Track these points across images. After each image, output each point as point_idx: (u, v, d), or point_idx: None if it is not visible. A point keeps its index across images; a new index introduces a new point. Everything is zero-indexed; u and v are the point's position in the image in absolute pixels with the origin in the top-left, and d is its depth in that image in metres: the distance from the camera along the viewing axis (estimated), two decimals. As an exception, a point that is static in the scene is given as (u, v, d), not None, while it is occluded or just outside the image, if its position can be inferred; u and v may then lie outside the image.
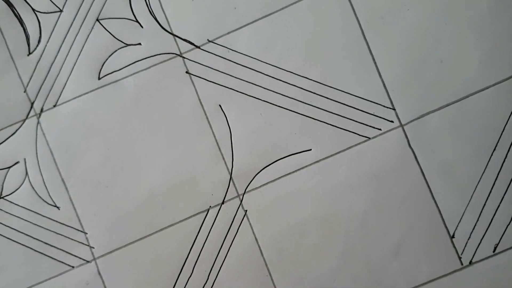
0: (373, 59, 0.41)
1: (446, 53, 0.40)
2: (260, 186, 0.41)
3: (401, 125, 0.41)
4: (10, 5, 0.42)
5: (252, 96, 0.41)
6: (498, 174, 0.40)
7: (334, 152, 0.41)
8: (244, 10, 0.42)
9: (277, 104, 0.41)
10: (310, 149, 0.40)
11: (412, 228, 0.40)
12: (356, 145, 0.41)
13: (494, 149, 0.40)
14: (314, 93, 0.41)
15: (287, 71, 0.41)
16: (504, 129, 0.40)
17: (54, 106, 0.42)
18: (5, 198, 0.41)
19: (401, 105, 0.41)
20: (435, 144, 0.40)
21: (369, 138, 0.41)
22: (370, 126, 0.41)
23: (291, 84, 0.41)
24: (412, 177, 0.40)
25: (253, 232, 0.41)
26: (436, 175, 0.40)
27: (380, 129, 0.41)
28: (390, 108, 0.41)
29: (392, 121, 0.41)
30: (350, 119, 0.41)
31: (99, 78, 0.42)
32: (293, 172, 0.41)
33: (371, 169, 0.40)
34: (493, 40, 0.40)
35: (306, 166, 0.41)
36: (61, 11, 0.42)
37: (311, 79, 0.41)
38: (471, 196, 0.40)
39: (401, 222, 0.40)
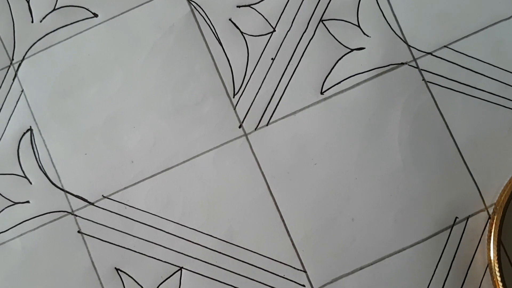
0: (281, 217, 0.38)
1: (357, 211, 0.37)
2: None
3: (313, 292, 0.37)
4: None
5: (152, 257, 0.38)
6: None
7: (242, 321, 0.37)
8: (142, 164, 0.38)
9: (179, 265, 0.38)
10: None
11: None
12: (265, 313, 0.37)
13: (413, 320, 0.36)
14: (220, 252, 0.38)
15: (190, 228, 0.38)
16: (424, 295, 0.36)
17: None
18: None
19: (312, 267, 0.37)
20: (350, 312, 0.37)
21: (278, 306, 0.37)
22: (280, 292, 0.37)
23: (195, 243, 0.38)
24: None
25: None
26: None
27: (290, 295, 0.37)
28: (301, 270, 0.37)
29: (303, 286, 0.37)
30: (260, 282, 0.37)
31: (-19, 242, 0.38)
32: None
33: None
34: (410, 196, 0.37)
35: (211, 337, 0.37)
36: None
37: (216, 237, 0.38)
38: None
39: None
